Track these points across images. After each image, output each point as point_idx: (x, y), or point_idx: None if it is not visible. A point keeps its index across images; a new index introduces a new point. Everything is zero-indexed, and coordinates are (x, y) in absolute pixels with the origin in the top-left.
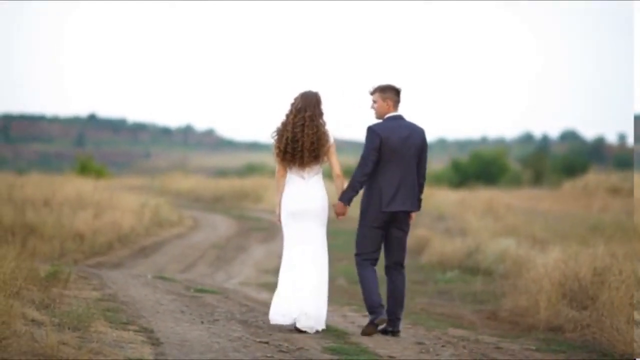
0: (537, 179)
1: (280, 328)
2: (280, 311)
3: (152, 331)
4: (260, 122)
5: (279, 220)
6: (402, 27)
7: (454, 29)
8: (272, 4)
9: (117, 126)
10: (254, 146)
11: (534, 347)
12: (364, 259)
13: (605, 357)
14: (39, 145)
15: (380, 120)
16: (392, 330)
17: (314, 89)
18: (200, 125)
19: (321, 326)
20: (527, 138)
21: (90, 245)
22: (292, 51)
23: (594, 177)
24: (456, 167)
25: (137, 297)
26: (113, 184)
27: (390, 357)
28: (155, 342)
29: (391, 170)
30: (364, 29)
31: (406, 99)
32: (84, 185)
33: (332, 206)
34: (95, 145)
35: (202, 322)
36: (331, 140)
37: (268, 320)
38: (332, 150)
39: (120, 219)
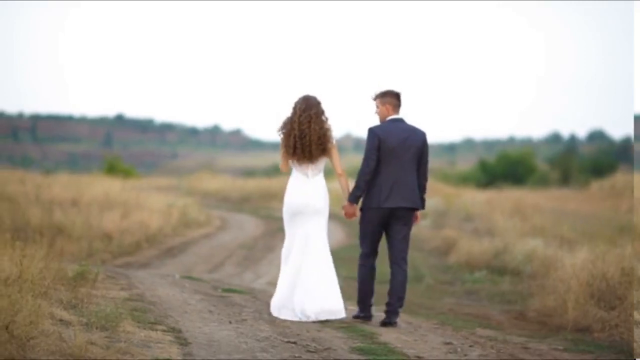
0: (565, 179)
1: (308, 328)
2: (278, 305)
3: (179, 331)
4: None
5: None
6: (430, 28)
7: (483, 30)
8: (299, 4)
9: (144, 126)
10: None
11: (561, 348)
12: (364, 255)
13: (633, 357)
14: (66, 146)
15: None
16: (388, 322)
17: (312, 94)
18: (227, 125)
19: (341, 315)
20: (555, 138)
21: (117, 245)
22: (319, 52)
23: (621, 178)
24: (483, 167)
25: (164, 297)
26: (140, 184)
27: (418, 357)
28: (183, 342)
29: (389, 170)
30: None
31: (434, 99)
32: (111, 186)
33: (342, 207)
34: (122, 145)
35: (230, 322)
36: (333, 139)
37: (296, 320)
38: (334, 150)
39: (148, 219)
